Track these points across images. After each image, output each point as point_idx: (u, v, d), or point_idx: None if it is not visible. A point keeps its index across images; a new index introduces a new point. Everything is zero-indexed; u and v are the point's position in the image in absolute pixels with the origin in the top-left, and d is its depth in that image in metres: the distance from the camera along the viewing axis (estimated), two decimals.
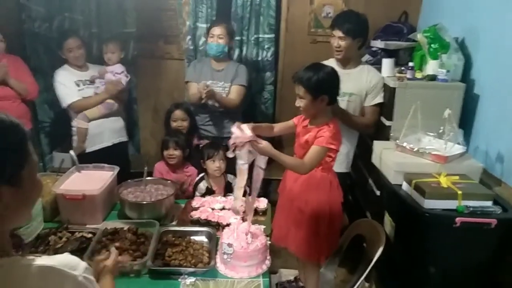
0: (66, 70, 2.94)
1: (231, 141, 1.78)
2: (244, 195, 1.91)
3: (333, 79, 1.95)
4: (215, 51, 2.88)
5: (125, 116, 3.21)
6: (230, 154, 1.84)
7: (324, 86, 1.90)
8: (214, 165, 2.53)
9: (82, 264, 0.94)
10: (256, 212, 2.23)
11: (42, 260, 0.89)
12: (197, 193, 2.57)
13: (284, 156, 1.89)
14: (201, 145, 2.85)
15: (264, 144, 1.80)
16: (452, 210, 1.85)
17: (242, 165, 1.81)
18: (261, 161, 1.86)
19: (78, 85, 2.92)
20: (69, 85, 2.89)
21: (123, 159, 3.07)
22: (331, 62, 2.60)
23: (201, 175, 2.64)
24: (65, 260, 0.91)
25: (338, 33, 2.47)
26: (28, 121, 2.99)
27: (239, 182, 1.85)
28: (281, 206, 2.18)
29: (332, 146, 1.91)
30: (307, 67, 1.96)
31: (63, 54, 2.91)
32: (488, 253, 1.86)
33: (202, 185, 2.60)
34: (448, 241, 1.86)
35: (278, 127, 2.17)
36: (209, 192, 2.54)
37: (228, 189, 2.57)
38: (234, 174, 2.08)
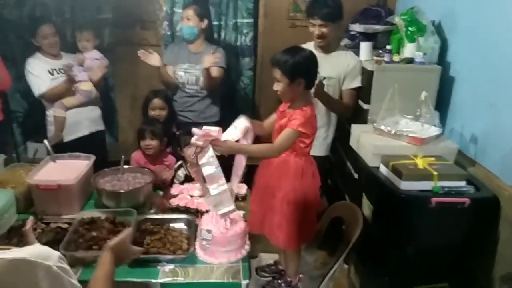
0: (38, 59, 2.84)
1: (191, 146, 1.74)
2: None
3: (310, 62, 1.93)
4: (186, 34, 2.88)
5: (102, 105, 3.14)
6: (192, 167, 1.78)
7: (301, 69, 1.88)
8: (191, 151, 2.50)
9: (55, 254, 0.93)
10: (236, 198, 2.22)
11: (13, 253, 0.87)
12: (175, 181, 2.55)
13: (249, 146, 1.89)
14: (177, 133, 2.82)
15: (224, 142, 1.79)
16: (428, 191, 1.87)
17: (214, 171, 1.72)
18: (234, 184, 1.85)
19: (51, 74, 2.84)
20: (41, 74, 2.80)
21: (100, 148, 3.02)
22: (310, 46, 2.58)
23: (179, 162, 2.62)
24: (37, 251, 0.90)
25: (317, 21, 2.44)
26: (0, 112, 2.91)
27: (220, 187, 1.74)
28: (256, 192, 2.17)
29: (303, 130, 1.89)
30: (285, 50, 1.93)
31: (36, 41, 2.81)
32: (463, 231, 1.90)
33: (181, 173, 2.58)
34: (425, 222, 1.89)
35: (266, 123, 2.14)
36: (188, 179, 2.52)
37: None
38: None
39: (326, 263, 2.16)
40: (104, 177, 2.22)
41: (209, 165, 1.72)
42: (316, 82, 2.25)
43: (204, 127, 1.79)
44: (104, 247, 1.32)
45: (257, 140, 2.01)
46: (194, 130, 1.77)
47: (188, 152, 1.73)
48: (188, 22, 2.84)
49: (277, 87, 1.94)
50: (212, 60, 2.72)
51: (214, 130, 1.77)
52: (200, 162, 1.73)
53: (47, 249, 0.93)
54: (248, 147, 1.90)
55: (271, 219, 2.08)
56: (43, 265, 0.88)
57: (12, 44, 3.18)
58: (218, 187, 1.73)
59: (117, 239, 1.36)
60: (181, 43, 3.09)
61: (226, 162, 1.86)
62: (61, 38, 2.99)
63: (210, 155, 1.73)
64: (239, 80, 3.43)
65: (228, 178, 1.88)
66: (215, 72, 2.89)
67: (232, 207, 1.78)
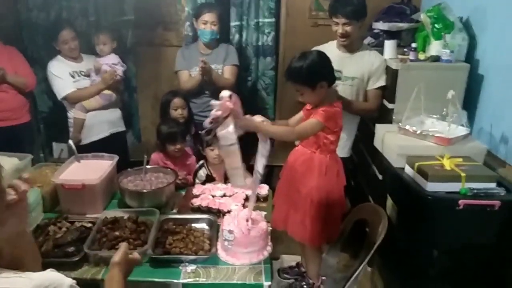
0: (60, 61, 2.90)
1: (210, 117, 1.65)
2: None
3: (322, 62, 1.90)
4: (209, 38, 2.87)
5: (123, 106, 3.18)
6: (206, 137, 1.74)
7: (317, 72, 1.87)
8: (214, 152, 2.51)
9: (67, 282, 0.88)
10: (258, 198, 2.21)
11: (17, 283, 0.81)
12: (197, 181, 2.56)
13: (269, 126, 1.84)
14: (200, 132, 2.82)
15: (246, 117, 1.72)
16: (455, 193, 1.82)
17: (229, 147, 1.65)
18: (259, 166, 1.77)
19: (73, 76, 2.89)
20: (63, 76, 2.86)
21: (121, 148, 3.04)
22: (332, 45, 2.56)
23: (200, 162, 2.62)
24: (46, 281, 0.85)
25: (341, 19, 2.38)
26: (27, 113, 2.98)
27: (233, 163, 1.70)
28: (281, 186, 2.16)
29: (326, 124, 1.87)
30: (292, 62, 1.91)
31: (57, 45, 2.87)
32: (492, 235, 1.84)
33: (202, 173, 2.58)
34: (452, 224, 1.83)
35: (292, 121, 2.12)
36: (209, 179, 2.52)
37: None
38: None
39: (349, 266, 2.13)
40: (127, 177, 2.24)
41: (226, 139, 1.65)
42: None
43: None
44: (111, 264, 1.27)
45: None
46: (213, 102, 1.68)
47: (207, 121, 1.66)
48: (213, 27, 2.83)
49: (303, 98, 1.94)
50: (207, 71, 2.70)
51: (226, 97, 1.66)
52: (219, 133, 1.66)
53: (58, 277, 0.88)
54: (267, 126, 1.83)
55: (295, 215, 2.07)
56: None
57: (39, 46, 3.25)
58: (231, 163, 1.70)
59: (121, 253, 1.30)
60: (190, 45, 3.11)
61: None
62: (86, 40, 3.04)
63: (230, 130, 1.64)
64: (261, 79, 3.42)
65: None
66: (228, 72, 2.89)
67: (243, 183, 1.76)
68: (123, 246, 1.35)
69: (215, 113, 1.66)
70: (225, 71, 2.91)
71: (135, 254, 1.37)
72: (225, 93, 1.66)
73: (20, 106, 2.91)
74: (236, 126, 1.65)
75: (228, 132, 1.64)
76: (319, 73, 1.87)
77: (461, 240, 1.85)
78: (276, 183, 2.28)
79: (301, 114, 2.09)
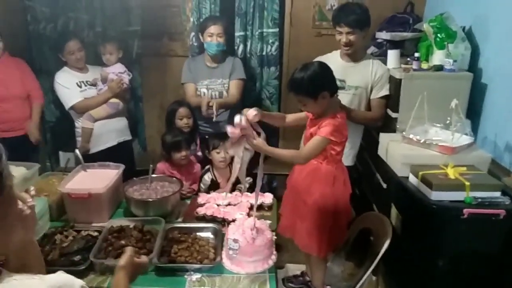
0: (67, 72, 2.93)
1: (230, 133, 1.74)
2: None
3: (323, 72, 1.91)
4: (215, 51, 2.88)
5: (129, 115, 3.21)
6: (230, 151, 1.82)
7: (319, 83, 1.87)
8: (219, 155, 2.53)
9: (78, 283, 0.89)
10: (262, 207, 2.23)
11: (33, 285, 0.83)
12: (201, 185, 2.58)
13: (278, 150, 1.87)
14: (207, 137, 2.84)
15: (258, 140, 1.76)
16: (460, 202, 1.82)
17: (235, 164, 1.81)
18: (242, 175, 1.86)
19: (80, 86, 2.91)
20: (70, 87, 2.88)
21: (128, 158, 3.07)
22: (336, 55, 2.57)
23: (207, 167, 2.64)
24: (59, 281, 0.87)
25: (344, 28, 2.39)
26: None
27: (240, 176, 1.87)
28: (287, 197, 2.17)
29: (333, 138, 1.87)
30: (294, 73, 1.93)
31: (63, 56, 2.90)
32: (497, 244, 1.83)
33: (207, 177, 2.61)
34: (456, 233, 1.83)
35: (291, 118, 2.13)
36: (214, 184, 2.54)
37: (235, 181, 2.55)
38: None
39: (353, 275, 2.13)
40: (132, 186, 2.26)
41: (237, 155, 1.79)
42: None
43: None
44: (117, 268, 1.29)
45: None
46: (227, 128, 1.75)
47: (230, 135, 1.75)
48: (219, 39, 2.84)
49: (305, 108, 1.96)
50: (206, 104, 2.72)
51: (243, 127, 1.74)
52: (230, 151, 1.83)
53: (69, 278, 0.89)
54: (276, 150, 1.86)
55: (301, 225, 2.07)
56: None
57: (47, 57, 3.30)
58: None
59: (126, 256, 1.32)
60: (196, 57, 3.12)
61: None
62: (94, 51, 3.08)
63: (240, 148, 1.76)
64: (265, 89, 3.44)
65: None
66: (234, 87, 2.90)
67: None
68: (128, 250, 1.36)
69: (229, 131, 1.75)
70: (231, 85, 2.92)
71: (142, 257, 1.39)
72: (236, 120, 1.72)
73: (25, 117, 2.95)
74: (249, 148, 1.76)
75: (238, 149, 1.76)
76: (321, 83, 1.88)
77: (465, 249, 1.85)
78: (281, 191, 2.29)
79: (302, 114, 2.09)
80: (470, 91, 2.33)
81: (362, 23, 2.40)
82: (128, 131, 3.19)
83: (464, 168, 1.96)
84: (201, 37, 2.96)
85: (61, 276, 0.89)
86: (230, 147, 1.81)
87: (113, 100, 2.97)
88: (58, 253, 1.75)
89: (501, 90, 2.19)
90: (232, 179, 1.87)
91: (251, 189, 2.16)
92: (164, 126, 2.98)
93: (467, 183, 1.83)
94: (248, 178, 2.45)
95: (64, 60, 2.91)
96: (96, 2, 3.29)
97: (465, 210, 1.76)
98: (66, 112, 3.01)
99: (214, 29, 2.83)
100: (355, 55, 2.52)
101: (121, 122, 3.11)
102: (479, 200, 1.80)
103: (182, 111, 2.85)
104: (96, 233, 1.92)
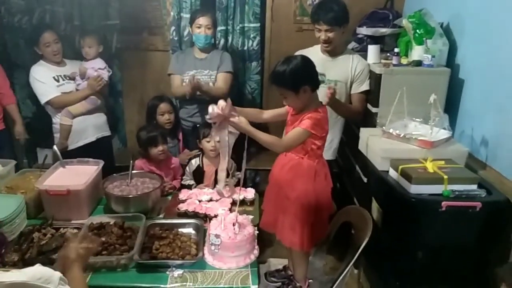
0: (43, 66, 2.84)
1: (209, 113, 1.75)
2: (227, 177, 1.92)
3: (306, 66, 1.92)
4: (203, 43, 2.85)
5: (107, 111, 3.14)
6: (216, 137, 1.83)
7: (301, 76, 1.88)
8: (210, 144, 2.53)
9: (56, 275, 0.90)
10: (244, 202, 2.23)
11: (13, 276, 0.84)
12: (187, 169, 2.57)
13: (260, 133, 1.85)
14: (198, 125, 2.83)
15: (241, 119, 1.77)
16: (438, 195, 1.85)
17: (222, 148, 1.81)
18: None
19: (57, 80, 2.83)
20: (47, 81, 2.80)
21: (107, 154, 3.01)
22: (317, 50, 2.59)
23: (197, 152, 2.65)
24: (37, 274, 0.87)
25: (323, 26, 2.41)
26: (1, 122, 2.93)
27: (221, 165, 1.87)
28: (269, 192, 2.18)
29: (313, 131, 1.89)
30: (277, 65, 1.94)
31: (39, 49, 2.80)
32: (474, 235, 1.87)
33: (194, 162, 2.63)
34: (435, 225, 1.86)
35: (269, 113, 2.14)
36: (199, 171, 2.55)
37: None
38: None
39: (335, 268, 2.15)
40: (112, 182, 2.23)
41: (221, 140, 1.82)
42: (330, 91, 2.25)
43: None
44: (69, 263, 1.24)
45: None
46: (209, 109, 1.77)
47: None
48: (207, 31, 2.82)
49: (287, 102, 1.96)
50: (194, 85, 2.67)
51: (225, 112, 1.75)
52: (215, 137, 1.86)
53: (48, 271, 0.90)
54: (258, 133, 1.84)
55: (283, 220, 2.08)
56: None
57: (22, 51, 3.21)
58: (221, 164, 1.91)
59: (72, 249, 1.29)
60: (185, 50, 3.09)
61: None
62: (70, 45, 3.01)
63: (224, 132, 1.79)
64: (247, 84, 3.44)
65: None
66: (221, 80, 2.88)
67: (221, 188, 1.94)
68: (70, 240, 1.35)
69: (208, 121, 1.78)
70: (219, 78, 2.89)
71: (86, 243, 1.37)
72: (220, 103, 1.75)
73: None
74: (233, 131, 1.78)
75: (222, 134, 1.78)
76: (302, 77, 1.89)
77: (444, 241, 1.89)
78: (263, 186, 2.29)
79: (283, 109, 2.10)
80: (448, 86, 2.37)
81: (340, 20, 2.41)
82: (107, 127, 3.12)
83: (442, 162, 1.99)
84: (190, 29, 2.93)
85: (40, 268, 0.90)
86: (215, 132, 1.81)
87: (91, 95, 2.91)
88: (36, 252, 1.71)
89: (477, 86, 2.24)
90: (224, 166, 1.85)
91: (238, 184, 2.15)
92: (144, 121, 2.94)
93: (445, 177, 1.87)
94: (238, 173, 2.49)
95: (40, 53, 2.83)
96: None
97: (443, 203, 1.79)
98: (43, 108, 2.93)
99: (203, 20, 2.80)
100: (335, 50, 2.54)
101: (100, 118, 3.04)
102: (457, 193, 1.84)
103: (163, 106, 2.82)
104: (75, 231, 1.89)
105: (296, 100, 1.92)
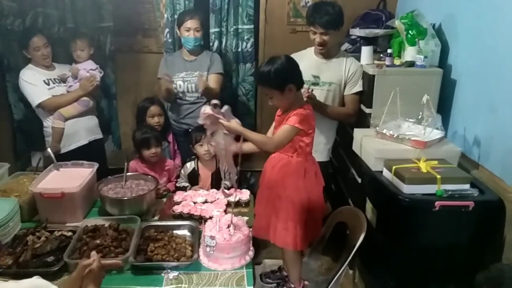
0: (32, 70, 2.79)
1: (201, 112, 1.81)
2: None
3: (289, 65, 1.95)
4: (192, 45, 2.86)
5: (103, 113, 3.13)
6: (211, 140, 1.86)
7: (285, 76, 1.92)
8: (203, 148, 2.53)
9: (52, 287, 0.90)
10: (239, 203, 2.23)
11: (13, 285, 0.84)
12: (182, 171, 2.57)
13: (251, 132, 1.91)
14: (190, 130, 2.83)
15: (231, 122, 1.82)
16: (431, 195, 1.87)
17: (219, 151, 1.86)
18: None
19: (47, 84, 2.79)
20: (37, 83, 2.75)
21: (100, 156, 2.97)
22: (310, 51, 2.60)
23: (193, 157, 2.65)
24: (36, 285, 0.88)
25: (319, 29, 2.42)
26: None
27: (227, 165, 1.92)
28: (261, 195, 2.18)
29: (300, 127, 1.92)
30: (261, 66, 1.97)
31: (28, 53, 2.76)
32: (468, 235, 1.89)
33: (189, 165, 2.63)
34: (429, 225, 1.88)
35: (269, 134, 2.16)
36: (194, 174, 2.55)
37: (218, 175, 2.57)
38: None
39: (331, 269, 2.16)
40: (107, 185, 2.23)
41: (217, 143, 1.87)
42: (305, 94, 2.26)
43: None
44: (89, 278, 1.18)
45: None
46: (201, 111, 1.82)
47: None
48: (196, 33, 2.83)
49: (272, 101, 1.99)
50: (204, 83, 2.71)
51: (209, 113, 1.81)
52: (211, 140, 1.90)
53: (46, 283, 0.90)
54: (249, 132, 1.90)
55: (276, 223, 2.09)
56: None
57: (15, 54, 3.18)
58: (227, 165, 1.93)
59: (98, 267, 1.24)
60: (174, 52, 3.10)
61: None
62: (63, 48, 2.99)
63: (219, 134, 1.83)
64: (241, 85, 3.44)
65: None
66: (213, 81, 2.88)
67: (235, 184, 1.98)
68: (97, 258, 1.27)
69: (200, 122, 1.83)
70: (210, 79, 2.89)
71: (106, 262, 1.33)
72: (202, 110, 1.82)
73: None
74: (225, 130, 1.82)
75: (218, 136, 1.82)
76: (287, 76, 1.92)
77: (438, 240, 1.90)
78: (257, 188, 2.30)
79: (273, 124, 2.14)
80: (440, 87, 2.39)
81: (335, 23, 2.43)
82: (99, 130, 3.09)
83: (436, 162, 2.01)
84: (178, 31, 2.94)
85: (37, 280, 0.89)
86: (209, 135, 1.86)
87: (84, 97, 2.88)
88: (31, 255, 1.71)
89: (469, 86, 2.26)
90: (223, 166, 1.91)
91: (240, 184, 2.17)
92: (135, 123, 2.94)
93: (438, 177, 1.88)
94: (225, 182, 2.49)
95: (29, 57, 2.78)
96: None
97: (436, 203, 1.81)
98: (35, 111, 2.90)
99: (191, 23, 2.81)
100: (329, 52, 2.56)
101: (92, 121, 3.01)
102: (450, 192, 1.85)
103: (153, 109, 2.81)
104: (70, 233, 1.89)
105: (282, 99, 1.95)
